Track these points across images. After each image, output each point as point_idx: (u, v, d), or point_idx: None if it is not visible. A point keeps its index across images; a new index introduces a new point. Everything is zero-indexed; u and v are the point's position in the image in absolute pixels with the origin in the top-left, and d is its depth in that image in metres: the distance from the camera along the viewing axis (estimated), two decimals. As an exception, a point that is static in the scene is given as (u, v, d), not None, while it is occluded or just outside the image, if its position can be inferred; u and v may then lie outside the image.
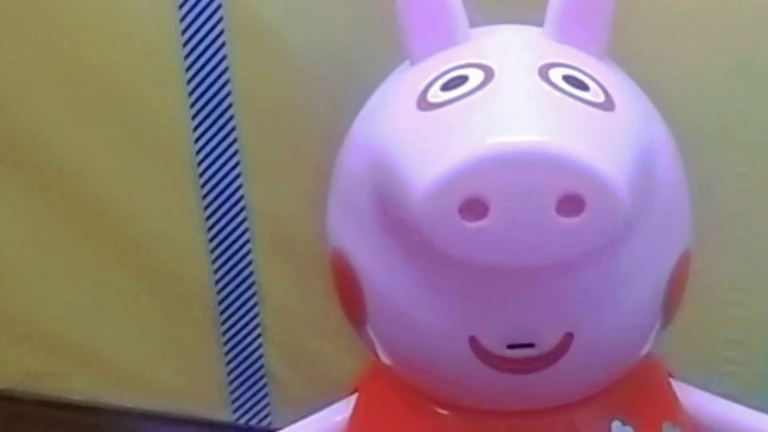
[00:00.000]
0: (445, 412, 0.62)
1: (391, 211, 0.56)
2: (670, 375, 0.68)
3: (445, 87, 0.55)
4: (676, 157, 0.61)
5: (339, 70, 0.83)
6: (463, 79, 0.55)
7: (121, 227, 0.94)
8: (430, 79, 0.56)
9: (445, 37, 0.59)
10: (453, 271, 0.55)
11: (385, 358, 0.62)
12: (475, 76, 0.55)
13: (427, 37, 0.59)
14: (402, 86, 0.58)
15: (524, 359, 0.57)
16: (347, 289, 0.61)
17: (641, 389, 0.64)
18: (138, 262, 0.95)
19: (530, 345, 0.57)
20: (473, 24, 0.61)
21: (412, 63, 0.59)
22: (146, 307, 0.97)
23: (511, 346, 0.57)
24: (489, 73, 0.55)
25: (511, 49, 0.59)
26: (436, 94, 0.55)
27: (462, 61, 0.57)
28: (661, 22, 0.77)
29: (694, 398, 0.67)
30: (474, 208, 0.51)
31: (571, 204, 0.51)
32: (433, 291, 0.57)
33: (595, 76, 0.56)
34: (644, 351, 0.61)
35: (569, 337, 0.56)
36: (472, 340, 0.57)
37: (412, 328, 0.59)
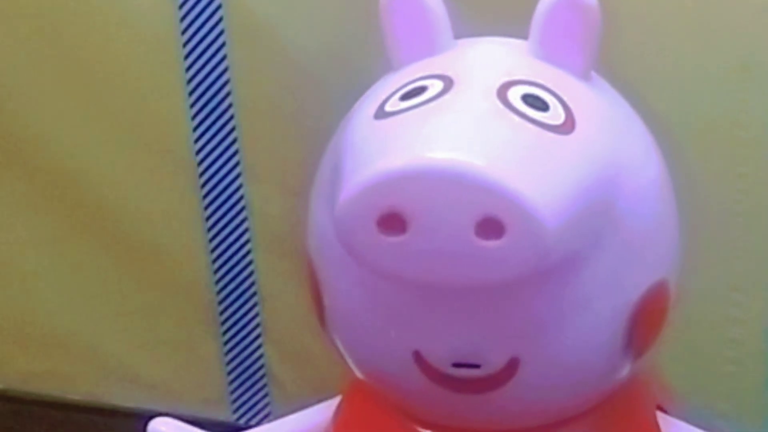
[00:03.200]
0: (424, 430, 0.61)
1: None
2: (660, 408, 0.66)
3: (404, 97, 0.54)
4: (658, 186, 0.59)
5: (339, 71, 0.83)
6: (422, 90, 0.54)
7: (121, 227, 0.94)
8: (395, 88, 0.56)
9: (424, 46, 0.58)
10: (395, 284, 0.54)
11: (346, 365, 0.62)
12: (434, 88, 0.54)
13: (407, 45, 0.58)
14: (372, 94, 0.58)
15: (470, 379, 0.56)
16: (312, 294, 0.61)
17: (621, 419, 0.62)
18: (138, 262, 0.95)
19: (476, 365, 0.56)
20: (471, 35, 0.61)
21: (393, 70, 0.59)
22: (146, 306, 0.97)
23: (457, 365, 0.56)
24: (448, 86, 0.54)
25: (479, 63, 0.58)
26: (394, 104, 0.54)
27: (428, 72, 0.56)
28: (661, 22, 0.77)
29: None
30: (393, 222, 0.50)
31: (492, 227, 0.50)
32: (378, 302, 0.56)
33: (563, 96, 0.55)
34: (611, 381, 0.59)
35: (516, 360, 0.55)
36: (417, 355, 0.56)
37: (363, 338, 0.59)
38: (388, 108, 0.54)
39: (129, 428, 0.99)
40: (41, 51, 0.89)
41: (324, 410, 0.68)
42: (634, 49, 0.76)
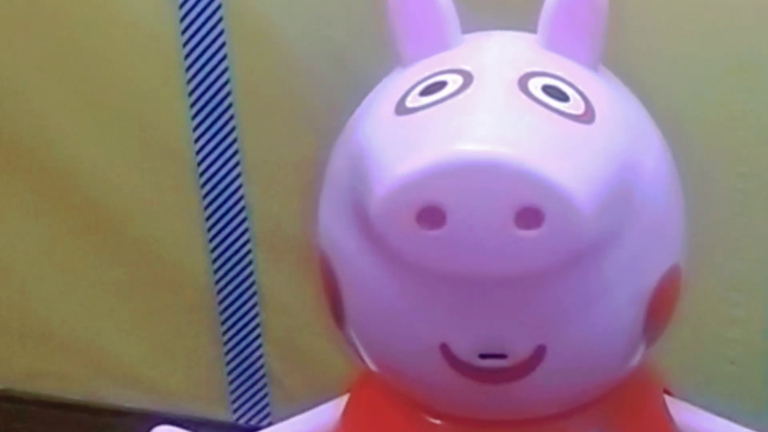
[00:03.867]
0: (436, 421, 0.62)
1: (362, 214, 0.56)
2: (667, 392, 0.67)
3: (424, 92, 0.55)
4: (668, 173, 0.60)
5: (339, 71, 0.83)
6: (441, 85, 0.55)
7: (121, 227, 0.94)
8: (412, 83, 0.56)
9: (435, 41, 0.58)
10: (424, 277, 0.54)
11: (364, 361, 0.62)
12: (454, 82, 0.55)
13: (417, 41, 0.59)
14: (386, 90, 0.58)
15: (497, 369, 0.56)
16: (328, 290, 0.61)
17: (631, 404, 0.63)
18: (138, 262, 0.95)
19: (502, 356, 0.56)
20: (473, 29, 0.61)
21: (403, 67, 0.59)
22: (146, 307, 0.97)
23: (483, 356, 0.56)
24: (468, 80, 0.55)
25: (496, 56, 0.59)
26: (414, 99, 0.55)
27: (445, 67, 0.56)
28: (661, 22, 0.77)
29: (688, 417, 0.66)
30: (432, 215, 0.51)
31: (531, 216, 0.50)
32: (405, 296, 0.56)
33: (579, 86, 0.55)
34: (628, 366, 0.60)
35: (542, 349, 0.56)
36: (443, 347, 0.56)
37: (387, 332, 0.59)
38: (409, 104, 0.55)
39: (129, 428, 0.99)
40: (41, 51, 0.89)
41: (331, 409, 0.68)
42: (634, 50, 0.76)
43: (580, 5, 0.56)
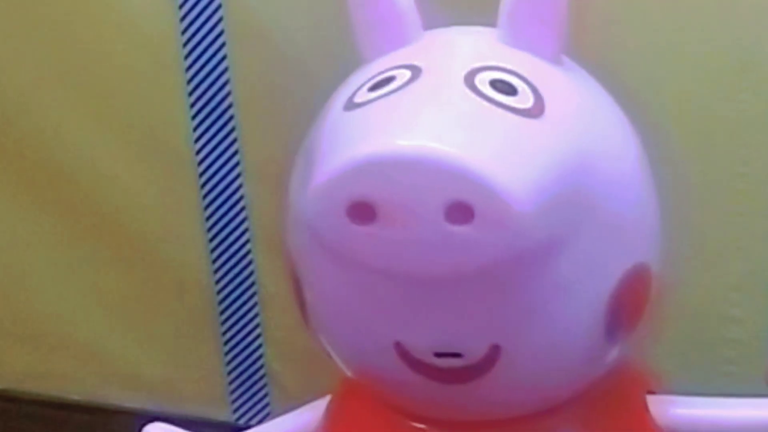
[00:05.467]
0: (416, 424, 0.62)
1: None
2: (650, 391, 0.65)
3: (373, 87, 0.55)
4: (633, 169, 0.59)
5: (339, 71, 0.83)
6: (389, 80, 0.55)
7: (121, 227, 0.94)
8: (364, 79, 0.56)
9: (394, 37, 0.58)
10: (372, 274, 0.54)
11: (333, 361, 0.62)
12: (401, 77, 0.54)
13: (376, 38, 0.59)
14: (343, 87, 0.58)
15: (453, 369, 0.56)
16: (295, 292, 0.61)
17: (610, 405, 0.62)
18: (138, 262, 0.95)
19: (458, 355, 0.56)
20: (440, 24, 0.61)
21: (364, 63, 0.59)
22: (146, 307, 0.97)
23: (438, 355, 0.56)
24: (415, 75, 0.54)
25: (448, 51, 0.58)
26: (362, 95, 0.55)
27: (396, 62, 0.56)
28: (661, 22, 0.77)
29: (669, 409, 0.65)
30: (362, 211, 0.50)
31: (462, 212, 0.50)
32: (356, 293, 0.56)
33: (532, 80, 0.55)
34: (596, 367, 0.60)
35: (497, 348, 0.55)
36: (398, 346, 0.56)
37: (344, 331, 0.59)
38: (356, 99, 0.55)
39: (129, 428, 0.99)
40: (41, 51, 0.89)
41: (315, 409, 0.68)
42: (634, 50, 0.76)
43: None
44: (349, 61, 0.83)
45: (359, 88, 0.55)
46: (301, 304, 0.61)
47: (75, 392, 1.02)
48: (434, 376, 0.57)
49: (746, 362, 0.84)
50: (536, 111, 0.53)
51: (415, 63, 0.55)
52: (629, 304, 0.58)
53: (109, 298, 0.98)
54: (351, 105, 0.54)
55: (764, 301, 0.82)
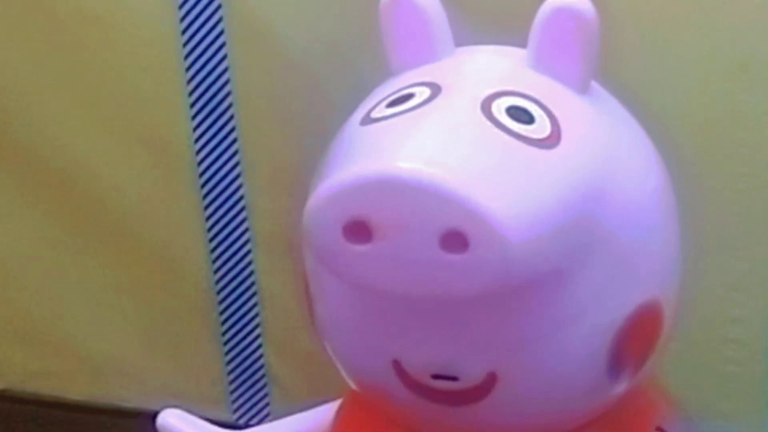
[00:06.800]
0: None
1: None
2: (660, 429, 0.64)
3: (391, 103, 0.54)
4: (652, 203, 0.58)
5: (339, 71, 0.83)
6: (408, 97, 0.54)
7: (120, 227, 0.94)
8: (386, 94, 0.56)
9: (423, 52, 0.58)
10: (363, 292, 0.54)
11: (338, 368, 0.62)
12: (420, 95, 0.54)
13: (405, 52, 0.58)
14: (367, 100, 0.58)
15: (449, 391, 0.56)
16: (306, 300, 0.61)
17: None
18: (138, 262, 0.95)
19: (455, 378, 0.55)
20: (473, 42, 0.60)
21: (392, 76, 0.59)
22: (146, 307, 0.97)
23: (435, 377, 0.56)
24: (434, 94, 0.54)
25: (472, 72, 0.58)
26: (380, 110, 0.54)
27: (419, 79, 0.56)
28: (661, 22, 0.77)
29: None
30: (359, 230, 0.50)
31: (456, 240, 0.49)
32: (357, 309, 0.56)
33: (552, 109, 0.54)
34: (597, 400, 0.58)
35: (494, 375, 0.55)
36: (396, 364, 0.56)
37: (346, 345, 0.59)
38: (374, 114, 0.54)
39: (129, 428, 0.99)
40: (41, 51, 0.89)
41: (325, 412, 0.68)
42: (634, 50, 0.76)
43: (567, 25, 0.55)
44: (349, 61, 0.83)
45: (378, 103, 0.55)
46: (311, 312, 0.60)
47: (75, 392, 1.02)
48: (430, 396, 0.57)
49: (746, 362, 0.84)
50: (551, 141, 0.53)
51: (437, 81, 0.55)
52: (636, 342, 0.57)
53: (109, 298, 0.98)
54: (367, 120, 0.54)
55: (764, 301, 0.82)
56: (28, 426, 1.03)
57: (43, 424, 1.03)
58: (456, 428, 0.58)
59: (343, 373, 0.61)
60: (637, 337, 0.57)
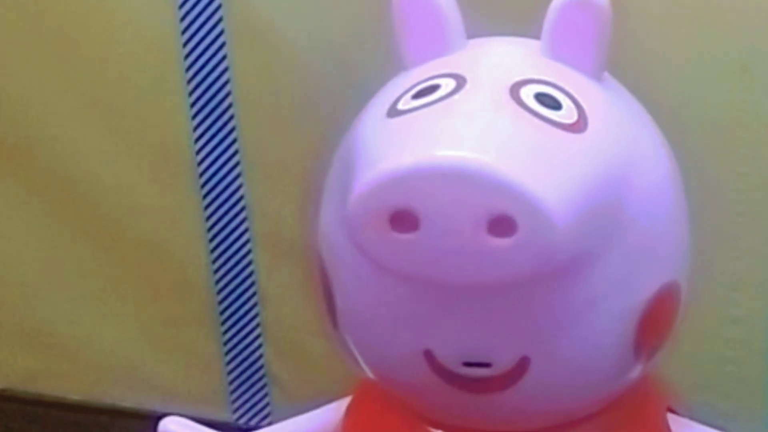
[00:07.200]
0: (435, 431, 0.61)
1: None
2: (671, 410, 0.66)
3: (417, 95, 0.55)
4: (669, 188, 0.59)
5: (339, 70, 0.83)
6: (434, 89, 0.55)
7: (121, 227, 0.94)
8: (408, 86, 0.56)
9: (437, 45, 0.58)
10: (407, 281, 0.54)
11: (359, 367, 0.62)
12: (446, 86, 0.54)
13: (419, 44, 0.58)
14: (384, 93, 0.58)
15: (481, 378, 0.56)
16: (324, 293, 0.61)
17: (631, 421, 0.62)
18: (138, 262, 0.95)
19: (487, 365, 0.56)
20: (483, 34, 0.61)
21: (405, 70, 0.59)
22: (146, 307, 0.97)
23: (467, 364, 0.56)
24: (460, 84, 0.54)
25: (493, 62, 0.58)
26: (406, 102, 0.55)
27: (441, 71, 0.56)
28: (661, 22, 0.77)
29: None
30: (405, 219, 0.50)
31: (504, 225, 0.50)
32: (390, 300, 0.56)
33: (575, 95, 0.55)
34: (621, 382, 0.60)
35: (526, 360, 0.55)
36: (428, 354, 0.56)
37: (375, 336, 0.59)
38: (400, 106, 0.54)
39: (129, 428, 0.99)
40: (41, 51, 0.90)
41: (330, 411, 0.68)
42: (634, 50, 0.76)
43: (582, 14, 0.56)
44: (349, 62, 0.83)
45: (403, 95, 0.55)
46: (330, 307, 0.60)
47: (75, 392, 1.02)
48: (461, 385, 0.57)
49: (746, 362, 0.84)
50: (579, 126, 0.53)
51: (460, 72, 0.55)
52: (660, 321, 0.58)
53: (109, 298, 0.98)
54: (395, 112, 0.54)
55: (764, 301, 0.82)
56: (28, 426, 1.03)
57: (43, 424, 1.03)
58: (481, 416, 0.59)
59: (365, 367, 0.61)
60: (660, 318, 0.58)
